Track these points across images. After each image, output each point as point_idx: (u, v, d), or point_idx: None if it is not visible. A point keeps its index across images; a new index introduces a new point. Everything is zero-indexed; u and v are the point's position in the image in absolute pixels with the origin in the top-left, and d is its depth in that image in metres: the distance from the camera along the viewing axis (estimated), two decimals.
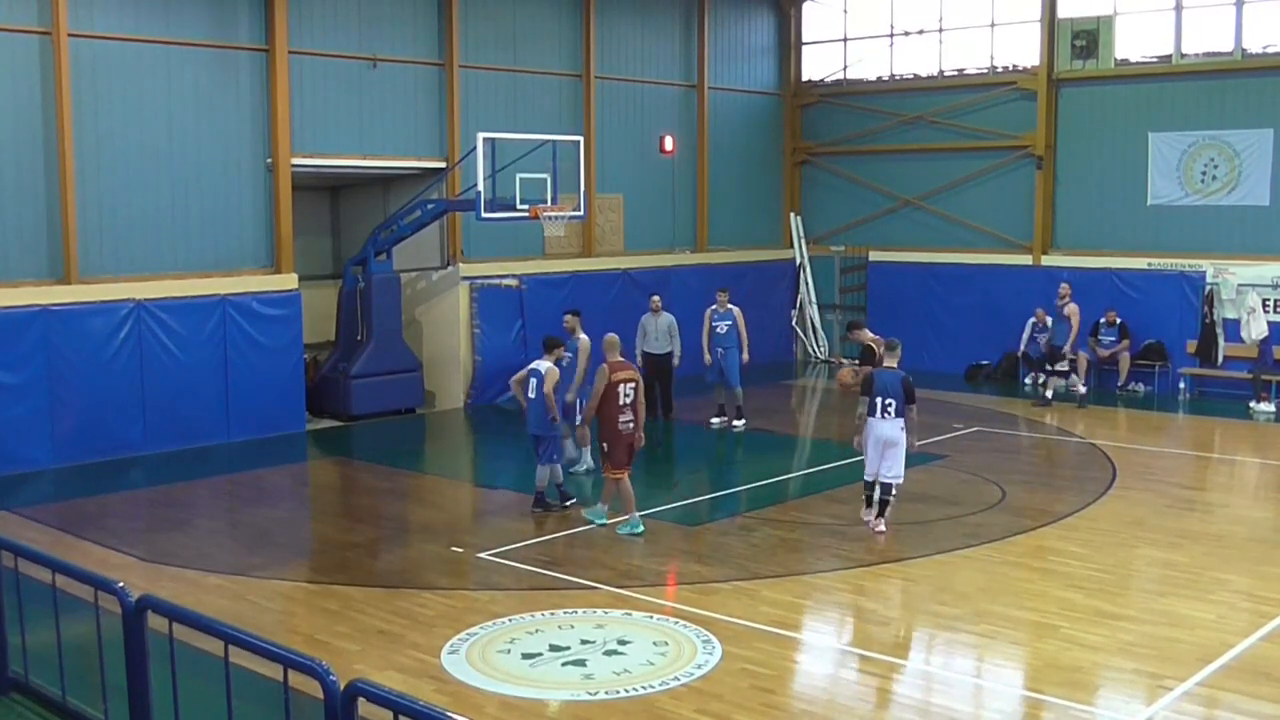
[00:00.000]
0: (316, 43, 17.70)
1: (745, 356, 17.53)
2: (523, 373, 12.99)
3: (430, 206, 18.34)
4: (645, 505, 13.28)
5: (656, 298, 18.32)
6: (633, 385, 12.06)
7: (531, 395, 12.73)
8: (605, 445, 12.07)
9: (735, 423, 17.53)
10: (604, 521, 12.26)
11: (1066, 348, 19.53)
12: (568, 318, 14.54)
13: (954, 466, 15.07)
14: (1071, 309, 19.55)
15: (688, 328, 18.19)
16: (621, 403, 11.95)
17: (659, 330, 17.76)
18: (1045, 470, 15.14)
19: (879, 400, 11.84)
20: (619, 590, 10.32)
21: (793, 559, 11.45)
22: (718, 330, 17.55)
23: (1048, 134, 21.93)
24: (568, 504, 12.94)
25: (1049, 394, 19.52)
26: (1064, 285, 19.94)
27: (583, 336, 14.14)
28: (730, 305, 17.64)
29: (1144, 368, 20.57)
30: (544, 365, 12.76)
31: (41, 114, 15.21)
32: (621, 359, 12.34)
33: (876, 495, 12.05)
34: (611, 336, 12.53)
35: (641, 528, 12.03)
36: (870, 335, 13.40)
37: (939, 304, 22.95)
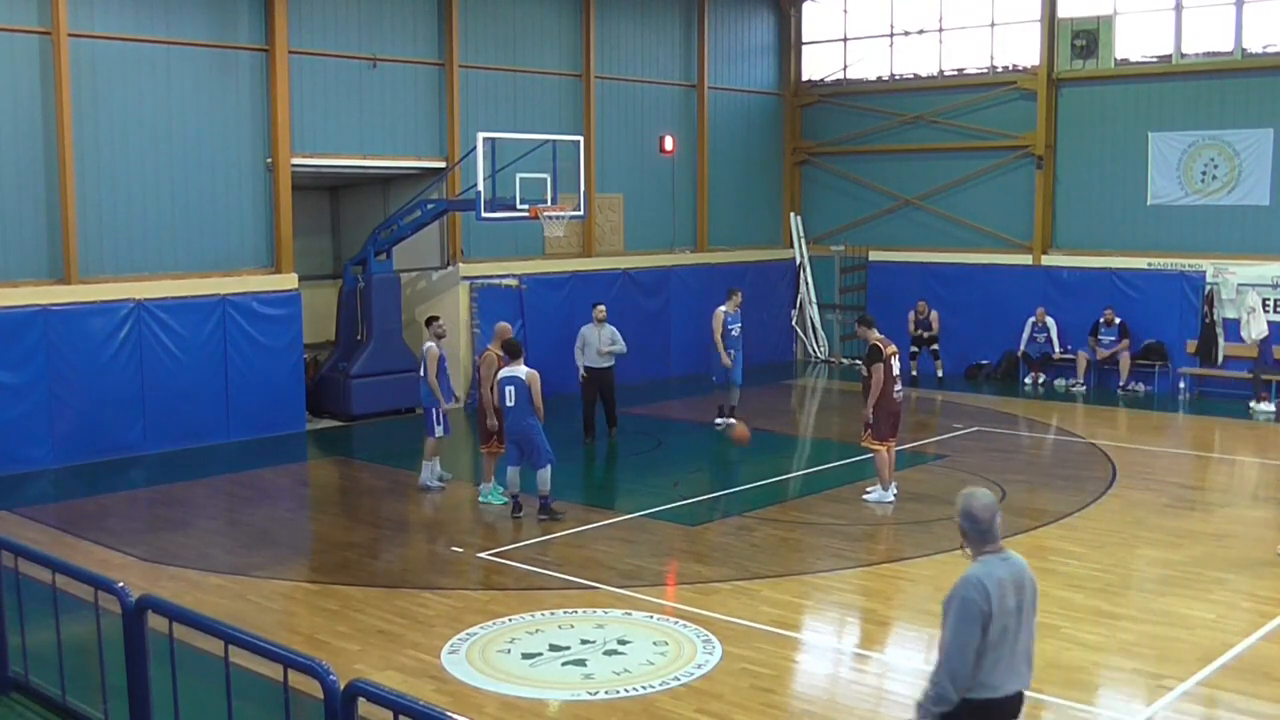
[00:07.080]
0: (316, 43, 17.70)
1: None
2: (496, 379, 12.84)
3: (430, 206, 18.33)
4: (646, 505, 13.32)
5: (601, 307, 16.87)
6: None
7: (510, 403, 12.55)
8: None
9: (730, 420, 17.21)
10: (501, 500, 13.29)
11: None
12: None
13: (954, 466, 15.05)
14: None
15: (689, 327, 18.08)
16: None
17: (602, 342, 16.57)
18: (1045, 470, 15.13)
19: None
20: (619, 590, 10.32)
21: (793, 559, 11.45)
22: (731, 332, 17.32)
23: (1048, 134, 21.91)
24: (518, 514, 12.79)
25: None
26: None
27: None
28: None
29: (1144, 367, 20.56)
30: (524, 371, 12.56)
31: (41, 114, 15.22)
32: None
33: None
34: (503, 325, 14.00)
35: (491, 497, 13.42)
36: (877, 335, 13.31)
37: (939, 304, 22.88)
